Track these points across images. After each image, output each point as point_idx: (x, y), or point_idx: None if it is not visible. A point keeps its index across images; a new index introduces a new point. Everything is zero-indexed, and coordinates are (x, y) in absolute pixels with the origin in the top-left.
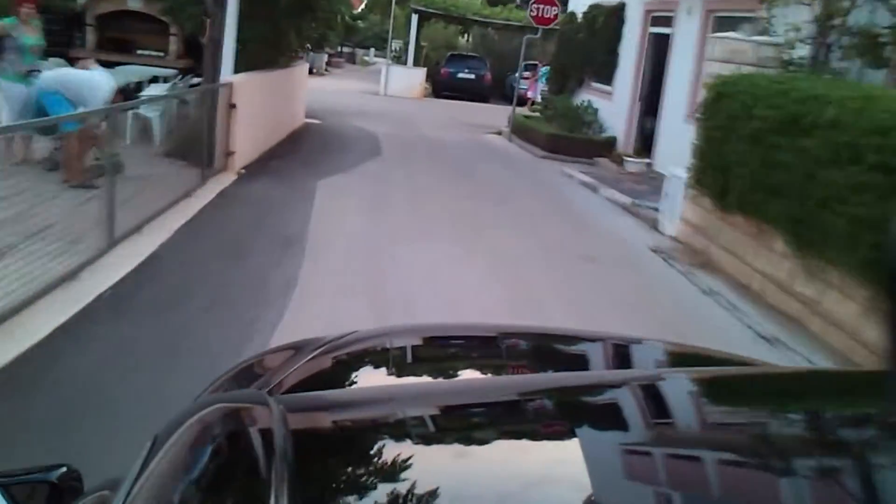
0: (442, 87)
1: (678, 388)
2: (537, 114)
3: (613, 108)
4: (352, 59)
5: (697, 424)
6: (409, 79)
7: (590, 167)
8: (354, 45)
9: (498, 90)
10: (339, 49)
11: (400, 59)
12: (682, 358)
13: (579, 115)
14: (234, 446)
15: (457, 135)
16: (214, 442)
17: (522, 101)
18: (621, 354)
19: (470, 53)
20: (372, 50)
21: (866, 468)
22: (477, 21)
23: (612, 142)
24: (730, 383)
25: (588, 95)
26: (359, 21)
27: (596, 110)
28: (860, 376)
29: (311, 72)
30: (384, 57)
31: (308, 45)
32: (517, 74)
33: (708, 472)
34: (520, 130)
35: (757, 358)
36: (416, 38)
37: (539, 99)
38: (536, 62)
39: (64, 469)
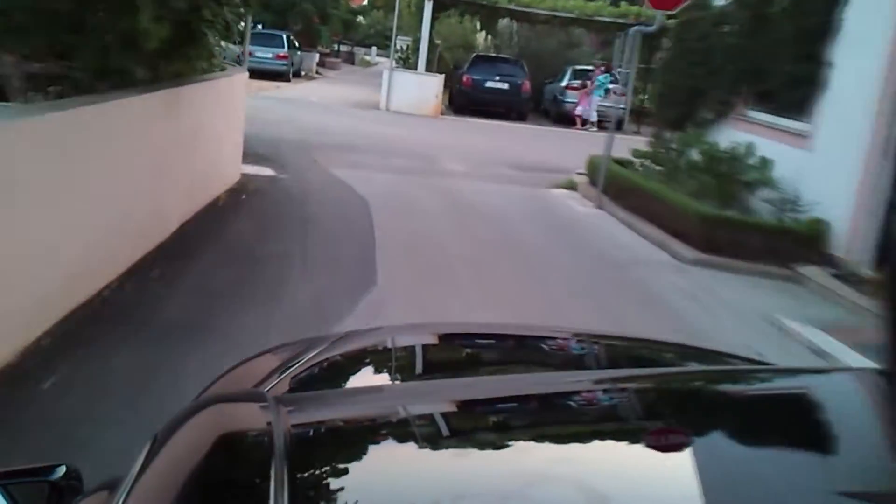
0: (464, 101)
1: (680, 388)
2: (644, 160)
3: (814, 163)
4: (350, 58)
5: (702, 425)
6: (420, 89)
7: (807, 297)
8: (354, 43)
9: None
10: (335, 48)
11: (407, 62)
12: (684, 358)
13: (735, 172)
14: (234, 446)
15: (508, 194)
16: (214, 441)
17: (568, 119)
18: (618, 354)
19: (501, 56)
20: (374, 49)
21: (866, 468)
22: (514, 12)
23: (817, 232)
24: (731, 384)
25: (742, 134)
26: (359, 17)
27: (767, 162)
28: (862, 376)
29: (297, 75)
30: (388, 56)
31: (219, 36)
32: (563, 84)
33: (708, 473)
34: (619, 191)
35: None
36: (430, 34)
37: (594, 118)
38: (591, 67)
39: (64, 469)
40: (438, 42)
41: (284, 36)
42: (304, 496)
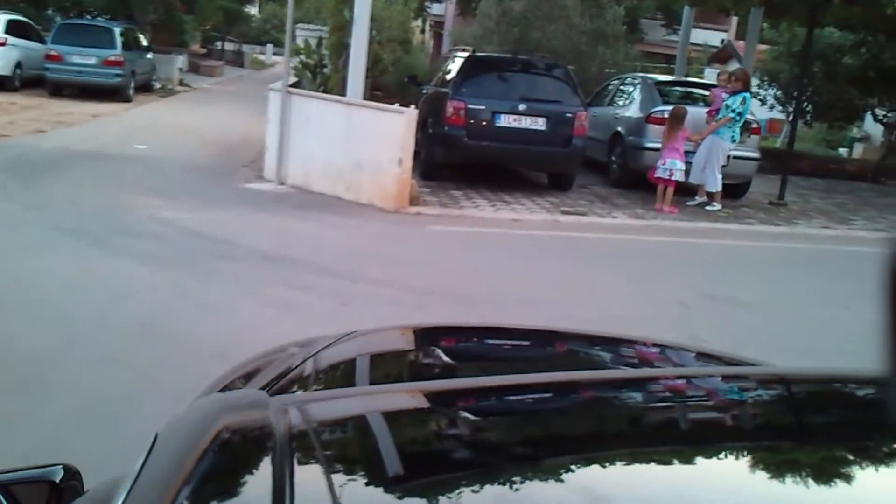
0: (448, 155)
1: (679, 387)
2: None
3: None
4: (239, 60)
5: (700, 425)
6: (354, 138)
7: None
8: (245, 40)
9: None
10: (218, 46)
11: (318, 73)
12: (683, 358)
13: None
14: (234, 446)
15: None
16: (214, 442)
17: (642, 180)
18: (617, 354)
19: (521, 57)
20: (270, 47)
21: (864, 472)
22: None
23: None
24: (731, 384)
25: None
26: (248, 7)
27: None
28: (860, 379)
29: (146, 88)
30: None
31: None
32: (639, 113)
33: (706, 475)
34: None
35: None
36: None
37: (716, 187)
38: (722, 85)
39: (64, 468)
40: (373, 33)
41: (116, 31)
42: (304, 496)
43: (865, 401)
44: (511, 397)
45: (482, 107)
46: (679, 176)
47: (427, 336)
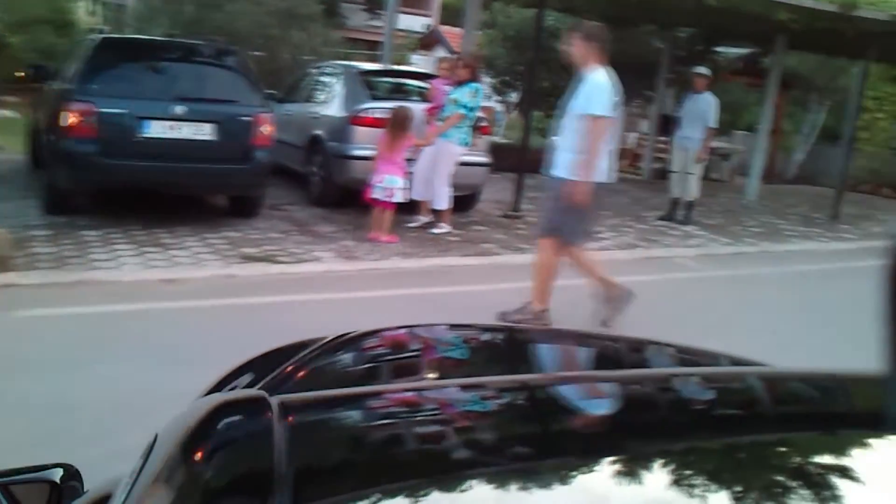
0: (81, 177)
1: (677, 388)
2: None
3: None
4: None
5: (697, 425)
6: None
7: None
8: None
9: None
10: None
11: None
12: (682, 358)
13: None
14: (235, 446)
15: None
16: (214, 442)
17: (352, 200)
18: (621, 354)
19: (177, 40)
20: None
21: (864, 470)
22: None
23: None
24: (729, 384)
25: None
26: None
27: None
28: (860, 378)
29: None
30: None
31: None
32: (342, 112)
33: (704, 475)
34: None
35: None
36: None
37: (443, 204)
38: (444, 75)
39: (64, 468)
40: None
41: None
42: (305, 496)
43: (864, 398)
44: (509, 396)
45: (121, 110)
46: (400, 196)
47: (426, 335)
